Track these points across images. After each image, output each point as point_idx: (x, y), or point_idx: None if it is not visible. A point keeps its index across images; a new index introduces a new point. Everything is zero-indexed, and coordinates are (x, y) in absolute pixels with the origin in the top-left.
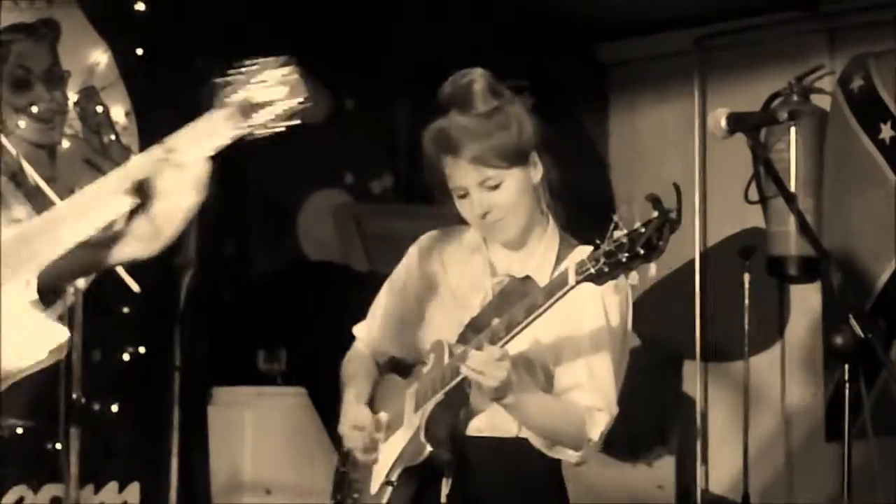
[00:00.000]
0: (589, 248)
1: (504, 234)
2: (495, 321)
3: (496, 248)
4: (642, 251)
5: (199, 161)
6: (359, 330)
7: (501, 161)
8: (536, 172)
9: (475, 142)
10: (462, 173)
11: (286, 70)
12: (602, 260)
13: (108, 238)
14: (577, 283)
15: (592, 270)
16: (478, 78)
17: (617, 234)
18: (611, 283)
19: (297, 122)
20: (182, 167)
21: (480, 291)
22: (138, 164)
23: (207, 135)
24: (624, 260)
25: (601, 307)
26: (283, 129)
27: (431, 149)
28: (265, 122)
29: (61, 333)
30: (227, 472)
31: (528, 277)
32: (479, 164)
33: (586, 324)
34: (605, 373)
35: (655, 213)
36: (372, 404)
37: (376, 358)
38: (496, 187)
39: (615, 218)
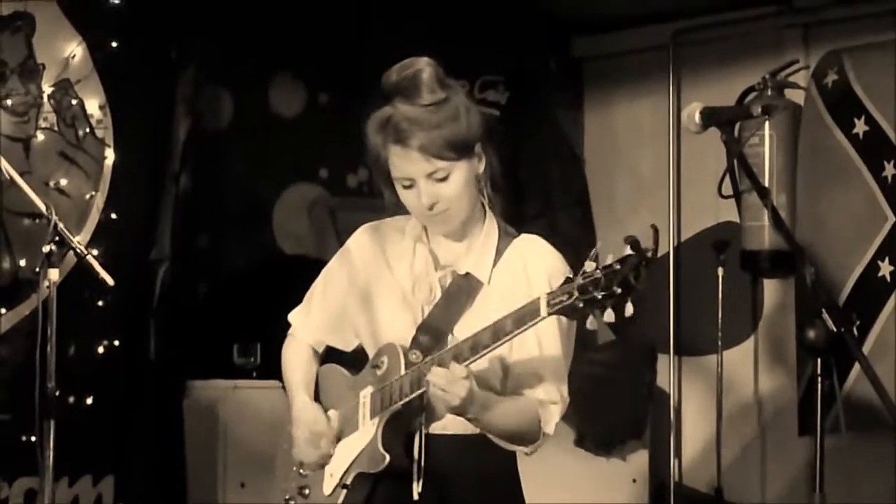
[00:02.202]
0: (531, 238)
1: (447, 226)
2: (451, 335)
3: (437, 238)
4: (619, 290)
5: None
6: (295, 317)
7: (450, 153)
8: (480, 164)
9: (425, 132)
10: (410, 164)
11: None
12: (575, 294)
13: None
14: (549, 314)
15: (566, 303)
16: (425, 67)
17: (589, 267)
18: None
19: None
20: None
21: (425, 284)
22: None
23: None
24: (599, 297)
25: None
26: None
27: (376, 138)
28: None
29: None
30: (202, 466)
31: (468, 274)
32: (429, 156)
33: (539, 323)
34: (558, 366)
35: (629, 252)
36: (317, 399)
37: (315, 347)
38: (444, 179)
39: (594, 251)
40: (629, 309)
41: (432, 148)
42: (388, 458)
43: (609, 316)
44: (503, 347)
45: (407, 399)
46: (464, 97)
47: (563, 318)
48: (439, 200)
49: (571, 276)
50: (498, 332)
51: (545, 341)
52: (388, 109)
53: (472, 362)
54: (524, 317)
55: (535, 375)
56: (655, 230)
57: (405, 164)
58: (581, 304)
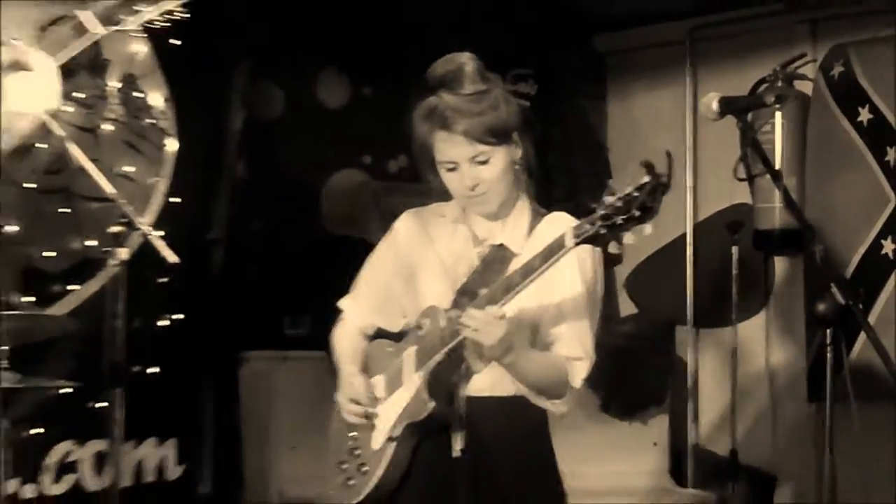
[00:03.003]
0: (560, 214)
1: (486, 206)
2: (483, 291)
3: (475, 219)
4: (638, 213)
5: (47, 68)
6: (345, 304)
7: (491, 138)
8: (517, 151)
9: (468, 119)
10: (454, 148)
11: None
12: (598, 223)
13: None
14: (576, 244)
15: (590, 232)
16: (467, 61)
17: (609, 199)
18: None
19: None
20: (31, 72)
21: (465, 260)
22: None
23: (56, 42)
24: (620, 222)
25: (577, 266)
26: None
27: (423, 125)
28: (129, 24)
29: None
30: (256, 429)
31: (503, 245)
32: (472, 140)
33: (565, 281)
34: (583, 324)
35: (647, 178)
36: (366, 371)
37: (364, 330)
38: (485, 162)
39: (609, 184)
40: (648, 229)
41: (475, 133)
42: (432, 403)
43: (630, 238)
44: (533, 311)
45: (448, 347)
46: (502, 88)
47: (589, 283)
48: (480, 182)
49: (566, 237)
50: (528, 270)
51: (571, 303)
52: (434, 99)
53: (505, 302)
54: (552, 250)
55: (563, 334)
56: (669, 156)
57: (450, 148)
58: (604, 231)
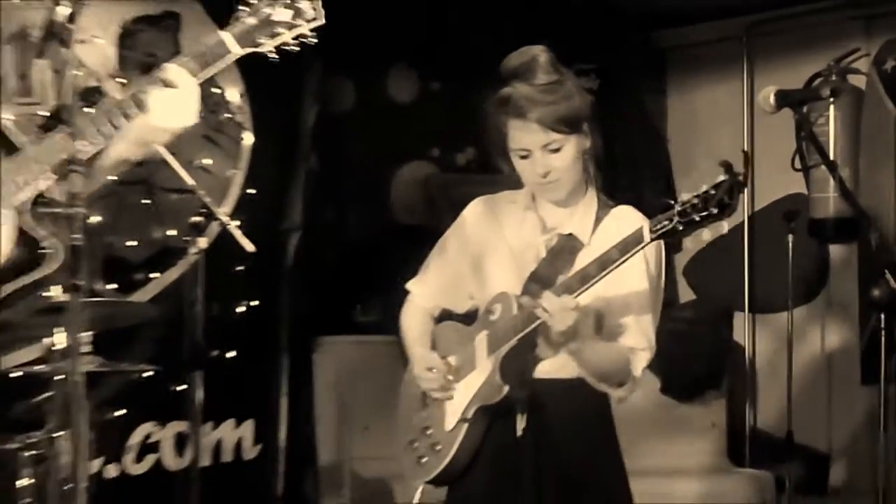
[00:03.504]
0: (626, 208)
1: (556, 194)
2: (558, 278)
3: (545, 207)
4: (715, 210)
5: (188, 83)
6: (412, 285)
7: (564, 127)
8: (586, 141)
9: (542, 108)
10: (528, 135)
11: None
12: (676, 219)
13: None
14: (653, 240)
15: (668, 228)
16: (540, 53)
17: (686, 196)
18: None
19: (309, 40)
20: (174, 88)
21: (533, 247)
22: (137, 82)
23: (200, 61)
24: (698, 219)
25: (642, 259)
26: (292, 46)
27: (497, 115)
28: (265, 47)
29: None
30: (330, 411)
31: (571, 234)
32: (545, 128)
33: (632, 274)
34: (647, 317)
35: (725, 177)
36: (434, 350)
37: (430, 311)
38: (557, 150)
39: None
40: (725, 226)
41: (548, 121)
42: (506, 388)
43: (707, 234)
44: (599, 302)
45: (521, 334)
46: (574, 81)
47: (653, 277)
48: (552, 170)
49: (644, 232)
50: (605, 263)
51: (637, 295)
52: (508, 90)
53: (580, 293)
54: (629, 244)
55: (628, 325)
56: (746, 155)
57: (524, 135)
58: (681, 228)
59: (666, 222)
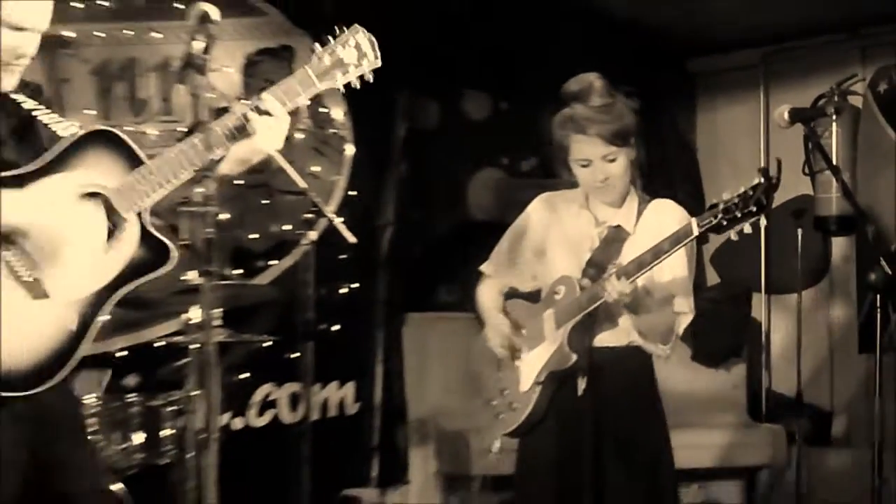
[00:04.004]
0: (663, 200)
1: (610, 196)
2: (613, 262)
3: (596, 204)
4: (754, 208)
5: (282, 113)
6: (485, 267)
7: (618, 140)
8: (633, 151)
9: (600, 125)
10: (589, 148)
11: (359, 38)
12: (720, 215)
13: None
14: (700, 233)
15: (713, 223)
16: (596, 79)
17: (727, 196)
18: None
19: (369, 79)
20: (270, 116)
21: (588, 238)
22: (241, 107)
23: (288, 94)
24: (739, 215)
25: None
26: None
27: (560, 130)
28: (337, 82)
29: None
30: (416, 377)
31: (619, 226)
32: (605, 142)
33: (675, 257)
34: (686, 288)
35: (761, 180)
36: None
37: (500, 289)
38: (613, 160)
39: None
40: (763, 221)
41: (607, 136)
42: (574, 356)
43: (747, 228)
44: (649, 277)
45: (586, 311)
46: (623, 102)
47: (691, 256)
48: (609, 176)
49: (693, 226)
50: (658, 252)
51: (677, 272)
52: (569, 110)
53: (636, 278)
54: (679, 237)
55: (672, 295)
56: (779, 162)
57: (585, 148)
58: (725, 223)
59: (711, 218)
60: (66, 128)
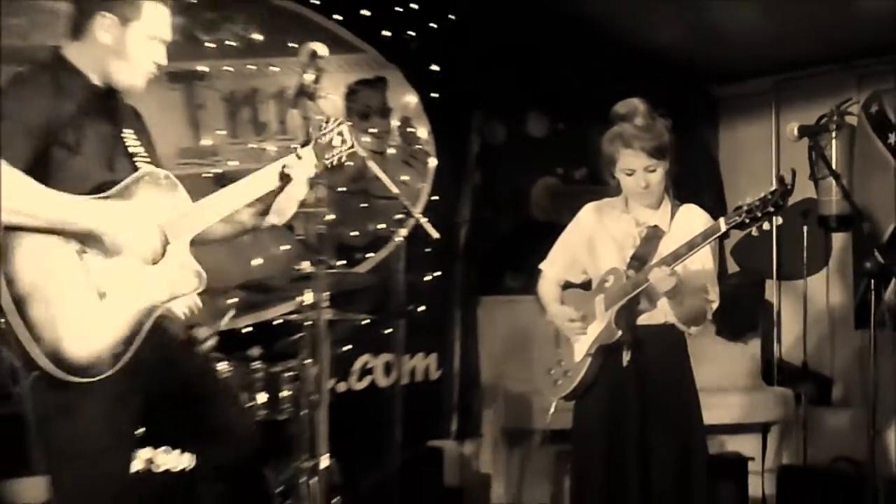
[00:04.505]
0: (691, 206)
1: (649, 200)
2: (653, 256)
3: (636, 208)
4: (772, 209)
5: (305, 174)
6: (544, 266)
7: (658, 154)
8: (668, 164)
9: (644, 141)
10: (635, 160)
11: (343, 127)
12: (744, 214)
13: (259, 211)
14: (727, 230)
15: (738, 220)
16: (639, 103)
17: (750, 199)
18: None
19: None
20: (298, 175)
21: (630, 236)
22: (277, 166)
23: (307, 162)
24: (759, 215)
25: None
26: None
27: (610, 145)
28: (331, 160)
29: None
30: (487, 348)
31: (656, 226)
32: (647, 154)
33: (703, 252)
34: (713, 278)
35: (778, 186)
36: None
37: (557, 282)
38: (653, 171)
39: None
40: (779, 220)
41: (649, 150)
42: (619, 332)
43: (766, 226)
44: (686, 272)
45: (630, 295)
46: (661, 122)
47: (715, 251)
48: (649, 184)
49: (721, 224)
50: (692, 245)
51: (706, 265)
52: (618, 128)
53: (676, 265)
54: (709, 233)
55: (702, 284)
56: (794, 173)
57: (631, 160)
58: (748, 221)
59: (736, 217)
60: (143, 166)
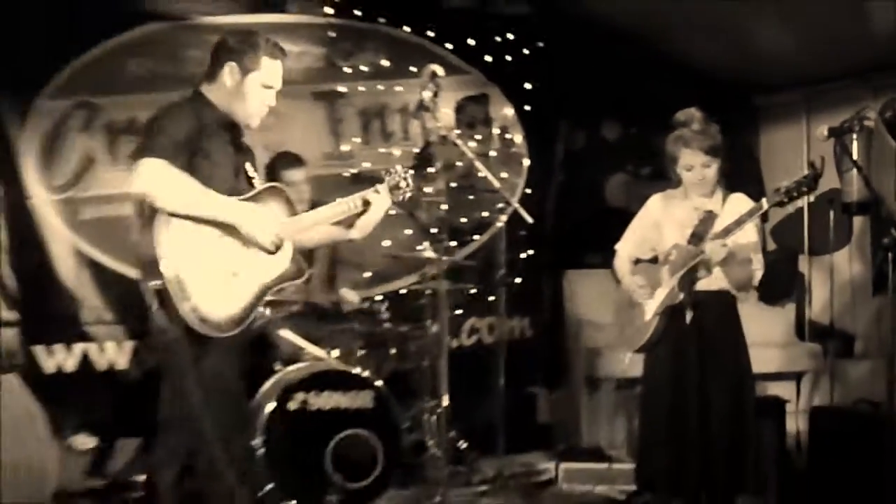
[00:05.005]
0: (738, 194)
1: (704, 190)
2: (709, 234)
3: (693, 197)
4: (805, 189)
5: (383, 204)
6: (619, 246)
7: (714, 153)
8: (720, 161)
9: (701, 142)
10: (694, 158)
11: (408, 174)
12: (783, 194)
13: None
14: (769, 207)
15: (778, 199)
16: (696, 111)
17: (787, 182)
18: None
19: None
20: (378, 203)
21: (689, 219)
22: (359, 196)
23: (383, 196)
24: (795, 195)
25: (754, 222)
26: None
27: (673, 145)
28: (398, 197)
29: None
30: (573, 311)
31: (711, 211)
32: (704, 153)
33: (749, 229)
34: (758, 248)
35: (810, 171)
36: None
37: (629, 259)
38: (709, 167)
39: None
40: (811, 198)
41: (705, 149)
42: (681, 295)
43: (803, 201)
44: (731, 242)
45: (690, 265)
46: (714, 127)
47: (759, 229)
48: (705, 178)
49: (764, 203)
50: (740, 221)
51: (751, 238)
52: (679, 132)
53: (727, 238)
54: (753, 211)
55: (750, 256)
56: (823, 160)
57: (691, 158)
58: (786, 200)
59: (776, 197)
60: (260, 182)
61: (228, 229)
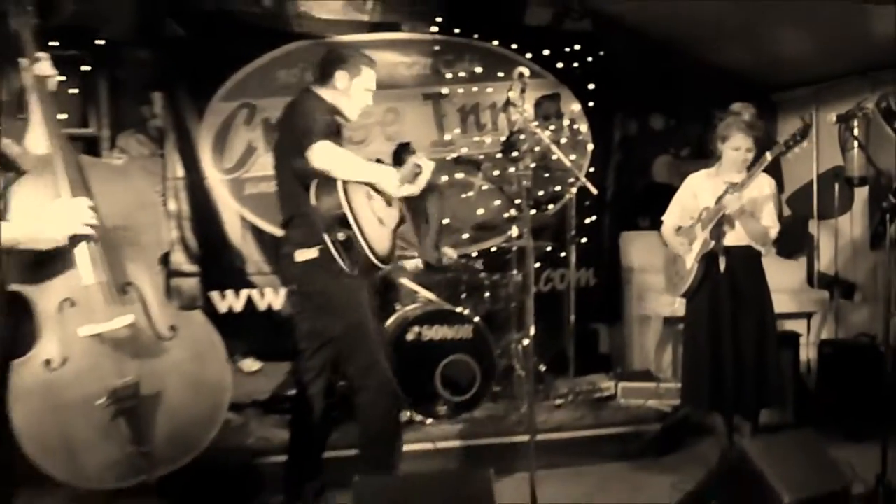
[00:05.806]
0: (762, 174)
1: (739, 168)
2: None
3: (724, 173)
4: (800, 139)
5: (420, 184)
6: (665, 217)
7: (757, 140)
8: (757, 149)
9: (754, 130)
10: (743, 141)
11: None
12: (783, 145)
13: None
14: (772, 158)
15: (779, 150)
16: (746, 105)
17: (784, 138)
18: (768, 176)
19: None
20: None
21: (720, 189)
22: (409, 164)
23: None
24: (793, 143)
25: (768, 182)
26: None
27: (726, 128)
28: (419, 185)
29: None
30: (627, 262)
31: (736, 183)
32: (752, 139)
33: (765, 190)
34: (773, 210)
35: (803, 125)
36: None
37: (673, 227)
38: (750, 150)
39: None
40: (805, 144)
41: (754, 136)
42: (712, 243)
43: (800, 149)
44: (752, 204)
45: (716, 219)
46: (763, 123)
47: (774, 190)
48: (746, 160)
49: (768, 155)
50: (751, 175)
51: (767, 200)
52: (730, 120)
53: (742, 191)
54: (761, 161)
55: (765, 215)
56: (811, 116)
57: (741, 141)
58: (785, 149)
59: (777, 149)
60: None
61: (373, 188)
